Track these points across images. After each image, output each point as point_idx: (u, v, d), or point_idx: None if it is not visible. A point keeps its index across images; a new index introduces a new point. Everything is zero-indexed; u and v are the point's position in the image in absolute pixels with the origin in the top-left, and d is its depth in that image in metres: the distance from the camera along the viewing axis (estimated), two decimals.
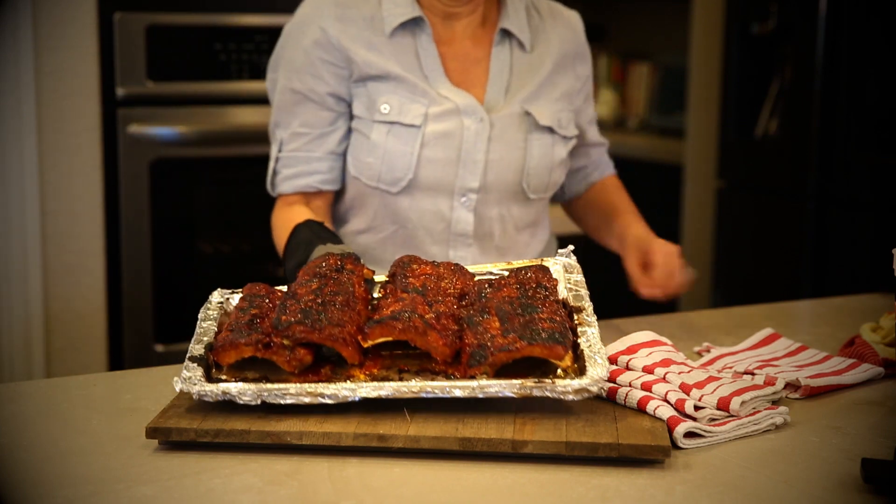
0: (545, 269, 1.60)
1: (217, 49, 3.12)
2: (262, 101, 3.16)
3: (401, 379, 1.41)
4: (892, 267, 1.46)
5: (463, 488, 1.26)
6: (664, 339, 1.64)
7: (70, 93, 2.95)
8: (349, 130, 1.99)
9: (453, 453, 1.33)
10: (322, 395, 1.36)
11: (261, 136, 3.15)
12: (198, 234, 3.23)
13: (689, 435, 1.39)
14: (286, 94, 1.97)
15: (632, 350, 1.59)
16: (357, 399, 1.36)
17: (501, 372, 1.39)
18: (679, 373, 1.51)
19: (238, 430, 1.34)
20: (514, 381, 1.35)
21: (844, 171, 3.48)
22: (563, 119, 2.03)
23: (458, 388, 1.36)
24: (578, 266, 1.67)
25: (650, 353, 1.58)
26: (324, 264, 1.57)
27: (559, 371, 1.40)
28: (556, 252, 1.76)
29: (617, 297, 2.28)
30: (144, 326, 3.10)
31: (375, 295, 1.60)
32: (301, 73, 1.95)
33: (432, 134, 1.93)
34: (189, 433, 1.34)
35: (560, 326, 1.43)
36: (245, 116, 3.15)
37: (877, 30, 3.44)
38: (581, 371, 1.39)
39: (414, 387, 1.36)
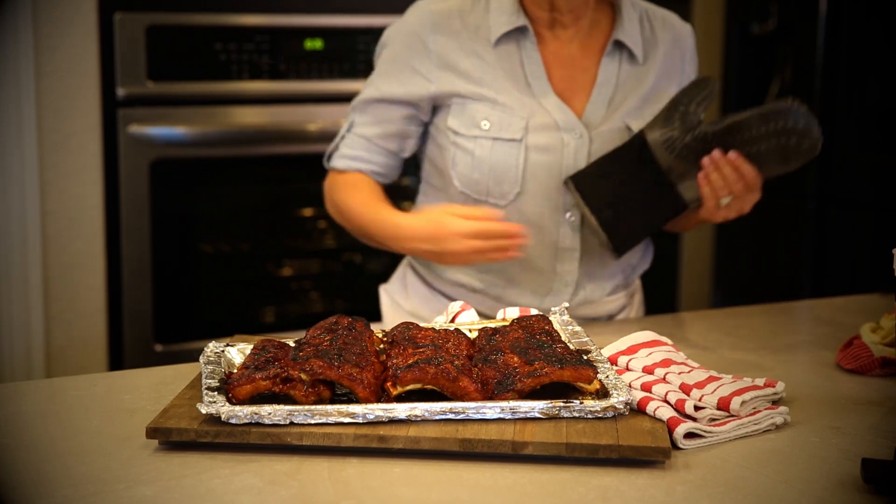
0: (545, 318, 1.62)
1: (217, 49, 3.12)
2: (262, 101, 3.17)
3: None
4: (892, 267, 1.46)
5: (463, 488, 1.26)
6: (664, 339, 1.64)
7: (70, 93, 2.95)
8: (418, 141, 2.04)
9: (453, 453, 1.33)
10: (354, 415, 1.35)
11: (261, 137, 3.18)
12: (198, 234, 3.23)
13: (689, 435, 1.39)
14: (373, 89, 2.02)
15: (632, 350, 1.59)
16: (387, 420, 1.36)
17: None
18: (679, 373, 1.51)
19: (238, 430, 1.34)
20: (543, 402, 1.37)
21: (844, 171, 3.48)
22: None
23: (489, 409, 1.37)
24: (573, 321, 1.68)
25: (650, 353, 1.58)
26: (336, 321, 1.57)
27: (579, 397, 1.42)
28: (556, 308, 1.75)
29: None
30: (144, 326, 3.10)
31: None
32: (389, 78, 1.99)
33: (535, 146, 1.94)
34: (189, 433, 1.34)
35: (579, 355, 1.46)
36: (245, 116, 3.15)
37: (877, 30, 3.44)
38: (605, 394, 1.42)
39: (445, 407, 1.37)
